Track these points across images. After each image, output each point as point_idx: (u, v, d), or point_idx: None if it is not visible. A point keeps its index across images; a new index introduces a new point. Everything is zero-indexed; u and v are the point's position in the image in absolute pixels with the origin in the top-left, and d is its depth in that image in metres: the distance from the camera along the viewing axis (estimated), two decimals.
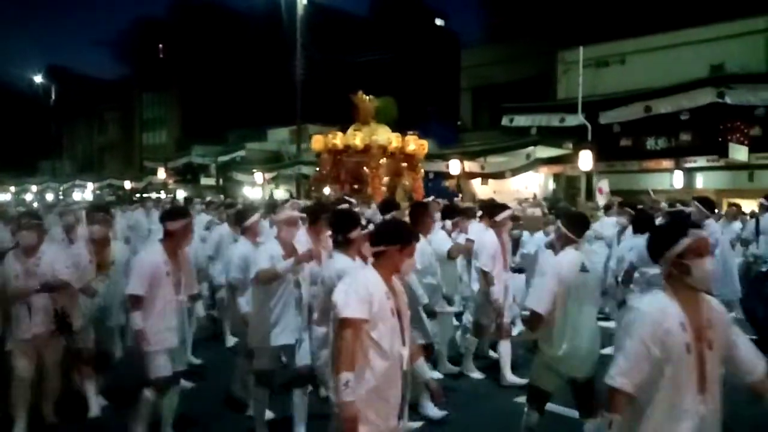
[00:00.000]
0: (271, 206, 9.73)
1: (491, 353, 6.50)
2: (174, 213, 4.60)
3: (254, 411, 4.66)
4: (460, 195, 17.88)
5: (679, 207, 5.54)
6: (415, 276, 4.80)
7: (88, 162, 58.44)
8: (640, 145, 19.10)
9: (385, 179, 13.79)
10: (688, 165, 17.93)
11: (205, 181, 34.45)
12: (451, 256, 5.59)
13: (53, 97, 44.32)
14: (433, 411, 4.90)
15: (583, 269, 3.75)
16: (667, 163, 18.34)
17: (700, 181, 18.13)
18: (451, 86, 27.68)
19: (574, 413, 4.07)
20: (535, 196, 18.13)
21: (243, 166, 30.55)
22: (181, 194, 36.27)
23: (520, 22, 25.44)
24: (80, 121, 60.65)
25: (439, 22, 64.74)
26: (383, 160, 13.56)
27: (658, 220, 6.44)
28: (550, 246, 5.30)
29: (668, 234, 2.54)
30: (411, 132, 14.84)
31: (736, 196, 14.49)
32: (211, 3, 50.57)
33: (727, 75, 16.44)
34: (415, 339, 3.68)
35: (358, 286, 2.84)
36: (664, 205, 8.53)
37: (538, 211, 8.51)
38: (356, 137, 13.51)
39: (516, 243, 8.08)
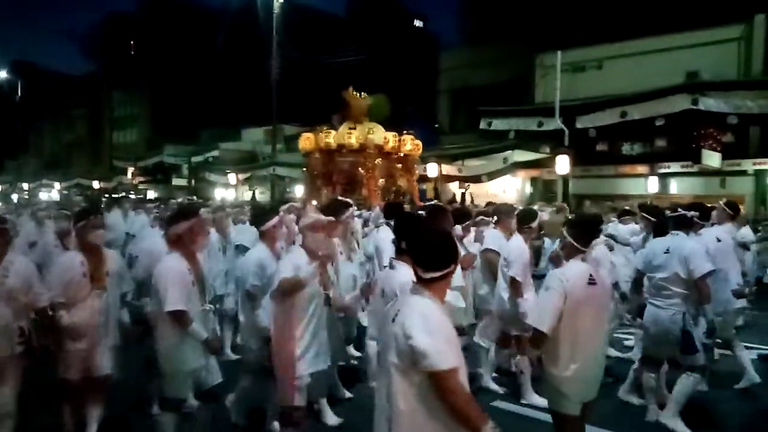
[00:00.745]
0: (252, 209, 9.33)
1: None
2: (178, 215, 4.24)
3: None
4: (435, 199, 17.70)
5: (681, 211, 5.39)
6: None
7: (55, 161, 56.92)
8: (616, 150, 19.27)
9: (380, 181, 13.16)
10: (662, 170, 18.12)
11: (176, 181, 33.80)
12: (463, 267, 5.07)
13: (19, 93, 43.03)
14: None
15: (591, 282, 3.47)
16: (642, 168, 18.51)
17: (674, 187, 18.33)
18: (429, 88, 27.59)
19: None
20: (557, 201, 17.53)
21: (216, 166, 30.05)
22: (151, 195, 35.54)
23: (499, 25, 25.48)
24: (47, 119, 59.08)
25: (417, 23, 64.81)
26: (378, 161, 12.89)
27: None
28: (552, 259, 4.95)
29: None
30: (406, 131, 14.14)
31: (708, 202, 14.62)
32: None
33: (702, 82, 16.64)
34: None
35: (440, 325, 2.41)
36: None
37: (560, 217, 8.15)
38: (351, 136, 12.76)
39: (537, 251, 7.79)
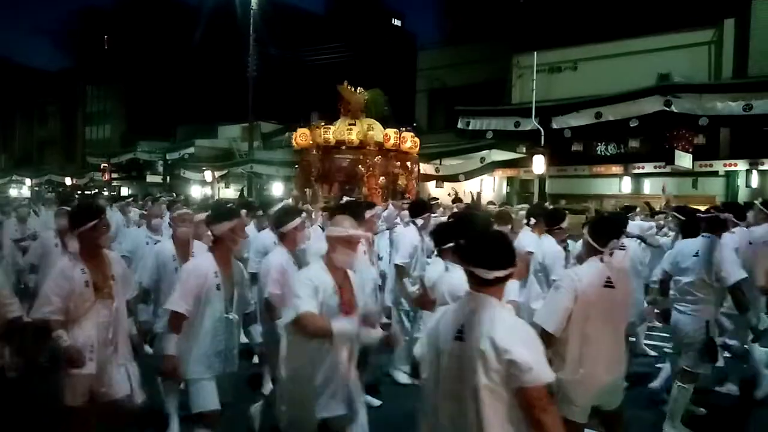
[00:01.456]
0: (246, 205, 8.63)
1: None
2: (221, 214, 3.90)
3: None
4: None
5: (714, 212, 5.13)
6: None
7: (27, 157, 55.70)
8: (590, 150, 19.52)
9: (381, 179, 12.70)
10: (636, 171, 18.41)
11: (151, 178, 33.38)
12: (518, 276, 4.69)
13: None
14: None
15: (608, 284, 3.30)
16: (616, 169, 18.77)
17: (648, 187, 18.63)
18: (407, 87, 27.60)
19: None
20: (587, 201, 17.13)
21: (192, 163, 29.69)
22: (125, 192, 35.03)
23: (477, 26, 25.63)
24: (18, 114, 57.73)
25: (396, 22, 64.84)
26: (378, 158, 12.39)
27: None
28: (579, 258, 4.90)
29: None
30: (405, 128, 13.65)
31: (680, 202, 14.92)
32: None
33: (674, 84, 16.92)
34: None
35: (531, 334, 2.27)
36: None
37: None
38: (352, 132, 12.19)
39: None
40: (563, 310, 3.24)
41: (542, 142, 17.97)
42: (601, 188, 19.24)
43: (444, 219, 7.15)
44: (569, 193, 18.87)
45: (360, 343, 3.41)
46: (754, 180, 16.72)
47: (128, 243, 6.57)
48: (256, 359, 5.89)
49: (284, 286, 4.13)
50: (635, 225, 7.42)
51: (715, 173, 17.47)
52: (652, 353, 6.97)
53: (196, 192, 27.90)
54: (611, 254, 3.44)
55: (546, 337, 3.15)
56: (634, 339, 6.47)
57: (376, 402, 5.27)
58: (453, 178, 19.12)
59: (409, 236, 6.05)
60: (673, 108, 15.96)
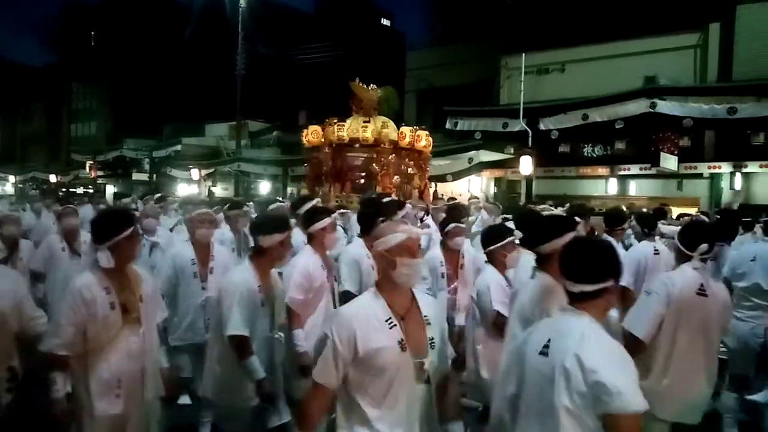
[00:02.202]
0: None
1: None
2: (273, 225, 3.54)
3: None
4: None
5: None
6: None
7: (10, 154, 55.01)
8: (577, 151, 19.64)
9: (395, 178, 12.33)
10: (621, 172, 18.55)
11: (137, 176, 33.12)
12: None
13: None
14: None
15: (701, 292, 3.11)
16: (602, 170, 18.91)
17: (633, 189, 18.79)
18: (396, 87, 27.59)
19: None
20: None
21: (178, 161, 29.47)
22: (110, 189, 34.74)
23: (466, 26, 25.68)
24: (2, 110, 56.98)
25: (385, 22, 64.85)
26: (392, 157, 12.05)
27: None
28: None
29: None
30: (421, 126, 13.30)
31: (665, 203, 15.06)
32: None
33: (659, 87, 17.08)
34: None
35: (626, 356, 2.03)
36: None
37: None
38: (367, 130, 11.76)
39: None
40: (655, 317, 3.08)
41: (530, 143, 18.06)
42: (587, 189, 19.38)
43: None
44: (556, 194, 18.97)
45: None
46: (738, 182, 16.92)
47: None
48: None
49: (308, 291, 3.82)
50: (666, 229, 7.35)
51: (699, 175, 17.65)
52: None
53: (183, 190, 27.70)
54: (705, 260, 3.26)
55: (634, 344, 3.01)
56: None
57: None
58: (441, 179, 19.14)
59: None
60: (659, 110, 16.12)
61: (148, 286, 3.18)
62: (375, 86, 12.78)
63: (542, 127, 18.31)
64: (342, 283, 4.39)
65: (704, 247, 3.25)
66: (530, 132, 18.21)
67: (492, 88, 22.49)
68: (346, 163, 12.44)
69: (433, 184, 19.55)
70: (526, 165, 17.25)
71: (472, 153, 18.58)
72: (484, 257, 4.27)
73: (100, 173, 34.85)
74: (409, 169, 12.71)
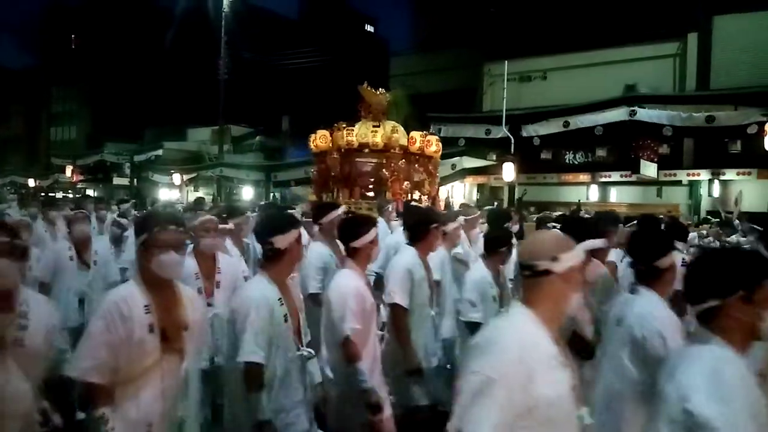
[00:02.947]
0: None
1: None
2: (284, 222, 3.13)
3: None
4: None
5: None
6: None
7: None
8: (559, 158, 19.85)
9: (405, 184, 12.04)
10: (602, 179, 18.78)
11: (118, 180, 32.73)
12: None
13: None
14: None
15: None
16: (583, 177, 19.14)
17: (614, 195, 19.03)
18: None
19: None
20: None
21: (160, 166, 29.18)
22: (91, 194, 34.27)
23: (449, 33, 25.83)
24: None
25: (369, 28, 65.02)
26: (402, 162, 11.83)
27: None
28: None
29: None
30: (430, 131, 12.96)
31: (645, 210, 15.27)
32: None
33: (639, 95, 17.34)
34: None
35: (737, 387, 1.71)
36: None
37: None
38: (377, 134, 11.56)
39: None
40: None
41: (512, 150, 18.19)
42: (568, 196, 19.57)
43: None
44: (538, 201, 19.14)
45: None
46: (716, 189, 17.21)
47: (131, 249, 5.61)
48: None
49: (363, 316, 3.29)
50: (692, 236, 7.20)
51: (678, 182, 17.94)
52: None
53: (164, 195, 27.43)
54: None
55: None
56: None
57: None
58: None
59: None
60: (639, 118, 16.34)
61: (197, 313, 2.60)
62: (384, 90, 12.55)
63: (524, 134, 18.47)
64: (390, 296, 3.93)
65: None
66: (513, 139, 18.36)
67: (475, 95, 22.64)
68: (355, 169, 12.04)
69: (444, 190, 19.52)
70: (509, 172, 17.37)
71: (455, 159, 18.65)
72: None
73: (80, 177, 34.40)
74: (419, 175, 12.29)
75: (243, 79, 36.13)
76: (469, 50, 22.96)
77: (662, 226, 5.34)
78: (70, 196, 30.21)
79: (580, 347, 2.96)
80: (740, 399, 1.66)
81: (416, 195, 12.10)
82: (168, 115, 39.95)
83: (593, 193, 18.92)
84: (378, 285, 4.99)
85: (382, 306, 4.20)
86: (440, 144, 12.89)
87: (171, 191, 27.73)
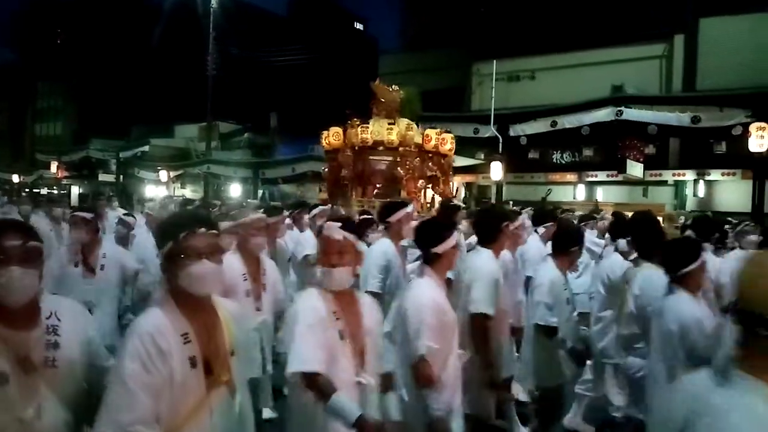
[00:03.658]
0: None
1: None
2: (443, 231, 3.06)
3: None
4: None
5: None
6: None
7: None
8: (546, 158, 19.95)
9: (420, 182, 11.85)
10: (589, 179, 18.90)
11: (103, 177, 32.40)
12: None
13: None
14: None
15: None
16: (570, 177, 19.25)
17: (601, 195, 19.15)
18: (369, 91, 27.65)
19: None
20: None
21: (146, 162, 28.97)
22: (75, 191, 33.97)
23: (438, 33, 25.86)
24: None
25: (358, 26, 64.93)
26: (416, 160, 11.61)
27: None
28: None
29: None
30: (444, 129, 12.86)
31: (631, 210, 15.37)
32: None
33: (626, 96, 17.45)
34: None
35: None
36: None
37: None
38: (392, 132, 11.29)
39: None
40: None
41: (500, 149, 18.25)
42: (555, 195, 19.66)
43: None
44: (525, 200, 19.22)
45: None
46: (701, 190, 17.39)
47: (138, 249, 5.27)
48: None
49: (441, 334, 2.89)
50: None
51: (664, 182, 18.10)
52: None
53: (151, 192, 27.21)
54: None
55: None
56: None
57: None
58: None
59: (536, 246, 5.43)
60: (625, 118, 16.45)
61: (242, 331, 2.15)
62: (397, 87, 12.36)
63: (512, 133, 18.54)
64: (475, 305, 3.64)
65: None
66: (501, 138, 18.42)
67: (463, 94, 22.68)
68: (368, 167, 11.86)
69: (459, 187, 19.43)
70: (497, 171, 17.43)
71: None
72: None
73: (65, 174, 34.03)
74: (434, 173, 12.12)
75: (231, 76, 35.94)
76: (457, 50, 23.00)
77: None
78: (55, 192, 29.89)
79: None
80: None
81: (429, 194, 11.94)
82: (155, 111, 39.65)
83: (580, 193, 19.06)
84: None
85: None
86: (454, 142, 12.70)
87: (157, 188, 27.52)
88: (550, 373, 3.95)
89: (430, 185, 12.00)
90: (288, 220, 6.41)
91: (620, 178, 17.58)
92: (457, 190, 20.86)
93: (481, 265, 3.81)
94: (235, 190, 25.40)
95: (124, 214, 6.79)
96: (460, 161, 18.93)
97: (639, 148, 17.39)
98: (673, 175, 17.72)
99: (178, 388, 1.89)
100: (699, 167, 17.00)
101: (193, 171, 26.72)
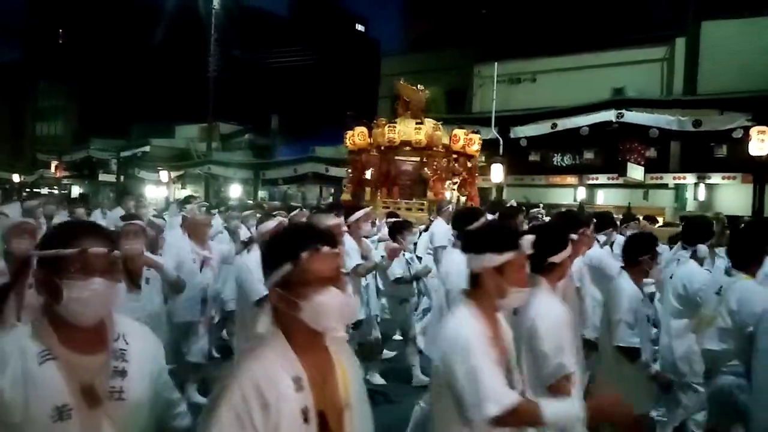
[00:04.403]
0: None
1: None
2: (561, 241, 2.79)
3: None
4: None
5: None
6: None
7: None
8: (547, 160, 19.96)
9: (447, 183, 11.63)
10: (590, 182, 18.90)
11: (104, 177, 32.43)
12: None
13: None
14: None
15: None
16: (571, 179, 19.25)
17: (601, 197, 19.16)
18: (370, 92, 27.69)
19: None
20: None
21: (147, 162, 28.99)
22: (76, 190, 34.01)
23: (440, 35, 25.89)
24: None
25: (359, 27, 64.98)
26: (444, 161, 11.41)
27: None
28: None
29: None
30: (473, 129, 12.71)
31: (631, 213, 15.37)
32: None
33: (627, 99, 17.46)
34: None
35: None
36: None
37: None
38: (420, 132, 10.98)
39: None
40: None
41: (501, 151, 18.24)
42: (556, 198, 19.67)
43: None
44: (526, 203, 19.22)
45: None
46: (701, 193, 17.39)
47: (170, 256, 4.68)
48: None
49: (572, 353, 2.54)
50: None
51: (665, 186, 18.10)
52: None
53: (151, 192, 27.22)
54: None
55: None
56: None
57: None
58: None
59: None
60: (626, 121, 16.44)
61: (358, 378, 1.70)
62: (422, 87, 12.17)
63: (513, 135, 18.54)
64: (620, 338, 3.45)
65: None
66: (501, 140, 18.42)
67: (465, 96, 22.69)
68: (394, 167, 11.59)
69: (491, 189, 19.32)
70: (497, 173, 17.43)
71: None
72: None
73: (65, 173, 34.05)
74: (462, 174, 11.98)
75: (233, 77, 35.99)
76: (459, 52, 23.03)
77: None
78: (56, 192, 29.91)
79: None
80: None
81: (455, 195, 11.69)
82: (156, 111, 39.68)
83: (580, 195, 19.05)
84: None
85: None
86: (481, 143, 12.53)
87: (158, 188, 27.52)
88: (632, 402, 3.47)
89: (455, 187, 11.77)
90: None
91: (621, 181, 17.59)
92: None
93: (619, 285, 3.54)
94: (235, 191, 25.39)
95: (154, 216, 6.02)
96: None
97: (640, 151, 17.40)
98: (674, 178, 17.73)
99: None
100: (700, 171, 17.00)
101: (194, 172, 26.72)
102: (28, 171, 37.09)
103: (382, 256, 4.98)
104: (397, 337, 6.14)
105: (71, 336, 1.55)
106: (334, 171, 21.62)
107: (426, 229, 7.37)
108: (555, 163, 19.98)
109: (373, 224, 6.42)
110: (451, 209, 7.89)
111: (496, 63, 19.47)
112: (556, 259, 2.72)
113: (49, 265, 1.53)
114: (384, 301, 5.88)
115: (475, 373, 1.98)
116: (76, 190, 34.38)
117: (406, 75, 24.68)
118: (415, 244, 6.46)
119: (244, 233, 6.45)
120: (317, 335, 1.58)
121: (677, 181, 17.80)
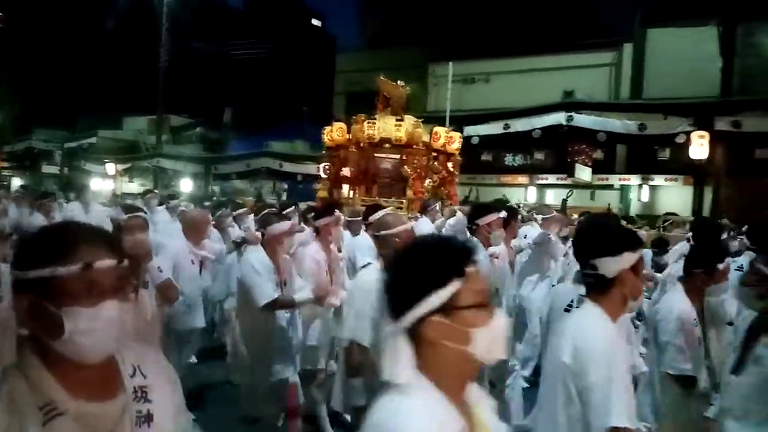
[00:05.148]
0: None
1: None
2: (614, 243, 2.03)
3: None
4: None
5: None
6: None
7: None
8: (499, 160, 20.29)
9: (427, 182, 11.39)
10: (540, 182, 19.33)
11: (47, 169, 31.16)
12: None
13: None
14: None
15: None
16: (522, 179, 19.63)
17: (551, 197, 19.60)
18: (325, 88, 27.53)
19: None
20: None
21: (93, 154, 28.02)
22: (17, 182, 32.51)
23: (396, 33, 25.95)
24: None
25: (316, 22, 64.42)
26: (424, 158, 11.28)
27: None
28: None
29: None
30: (451, 126, 12.53)
31: (578, 212, 15.78)
32: None
33: (576, 102, 17.90)
34: None
35: None
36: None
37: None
38: (401, 129, 10.88)
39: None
40: None
41: None
42: (508, 197, 20.01)
43: None
44: (476, 201, 19.51)
45: None
46: (645, 194, 18.03)
47: (165, 257, 4.14)
48: None
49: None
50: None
51: (611, 186, 18.68)
52: None
53: (97, 185, 26.30)
54: None
55: None
56: None
57: None
58: None
59: None
60: (575, 123, 16.86)
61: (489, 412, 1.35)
62: (403, 83, 11.94)
63: (466, 134, 18.72)
64: (670, 365, 2.94)
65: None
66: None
67: (419, 95, 22.82)
68: (373, 165, 11.42)
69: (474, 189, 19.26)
70: None
71: None
72: None
73: (4, 164, 32.54)
74: (441, 173, 11.79)
75: (184, 68, 35.12)
76: (414, 50, 23.15)
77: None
78: None
79: None
80: None
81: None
82: (103, 102, 38.37)
83: (531, 195, 19.46)
84: None
85: None
86: (462, 141, 12.39)
87: (104, 181, 26.62)
88: None
89: (435, 185, 11.54)
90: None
91: (569, 181, 18.03)
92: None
93: (670, 303, 3.01)
94: (186, 185, 24.82)
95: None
96: None
97: (588, 152, 17.89)
98: (620, 179, 18.32)
99: None
100: (644, 172, 17.63)
101: (142, 165, 26.00)
102: None
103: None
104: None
105: (78, 379, 1.15)
106: (288, 167, 21.40)
107: None
108: (506, 162, 20.34)
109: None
110: (437, 208, 7.95)
111: (450, 63, 19.63)
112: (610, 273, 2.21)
113: (38, 289, 1.10)
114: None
115: (609, 380, 1.79)
116: (16, 182, 32.90)
117: (362, 72, 24.74)
118: None
119: (236, 233, 6.01)
120: (466, 378, 1.27)
121: (623, 182, 18.41)
